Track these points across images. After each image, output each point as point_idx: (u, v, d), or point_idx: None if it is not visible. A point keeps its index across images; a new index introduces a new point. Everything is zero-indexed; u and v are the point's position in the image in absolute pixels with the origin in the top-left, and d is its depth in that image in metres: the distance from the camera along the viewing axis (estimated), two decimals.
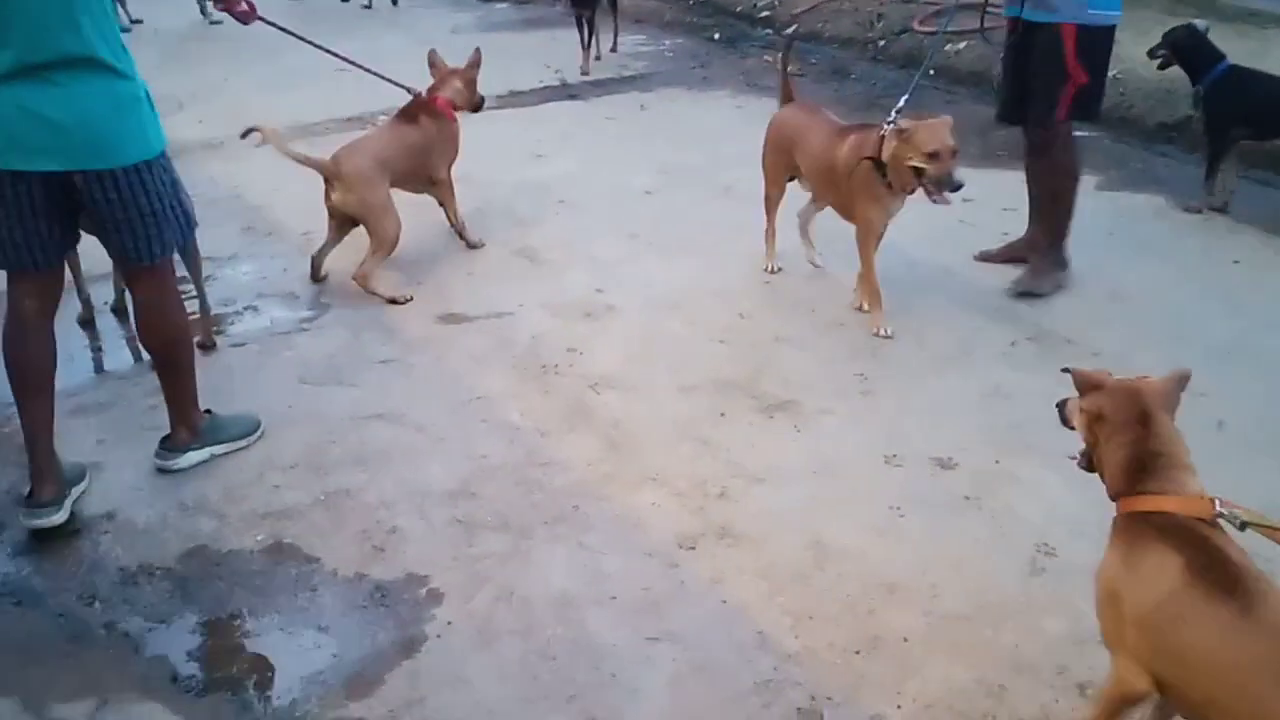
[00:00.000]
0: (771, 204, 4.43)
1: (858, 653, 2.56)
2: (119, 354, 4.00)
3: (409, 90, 4.57)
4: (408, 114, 4.56)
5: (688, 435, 3.42)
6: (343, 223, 4.36)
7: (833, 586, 2.78)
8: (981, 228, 4.75)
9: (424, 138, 4.52)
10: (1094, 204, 4.90)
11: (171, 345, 3.20)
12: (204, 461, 3.27)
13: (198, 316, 3.92)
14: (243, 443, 3.35)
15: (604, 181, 5.27)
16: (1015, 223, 4.55)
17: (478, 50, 4.80)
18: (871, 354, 3.88)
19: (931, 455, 3.29)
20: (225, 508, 3.10)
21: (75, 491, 3.09)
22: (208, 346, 3.92)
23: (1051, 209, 4.27)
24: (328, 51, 4.31)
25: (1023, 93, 4.17)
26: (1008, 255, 4.48)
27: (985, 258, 4.53)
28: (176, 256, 3.71)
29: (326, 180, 4.26)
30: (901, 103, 3.87)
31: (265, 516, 3.06)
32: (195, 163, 5.51)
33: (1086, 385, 2.17)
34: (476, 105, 4.82)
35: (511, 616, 2.69)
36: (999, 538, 2.94)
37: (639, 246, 4.74)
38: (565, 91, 7.09)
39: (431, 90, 4.64)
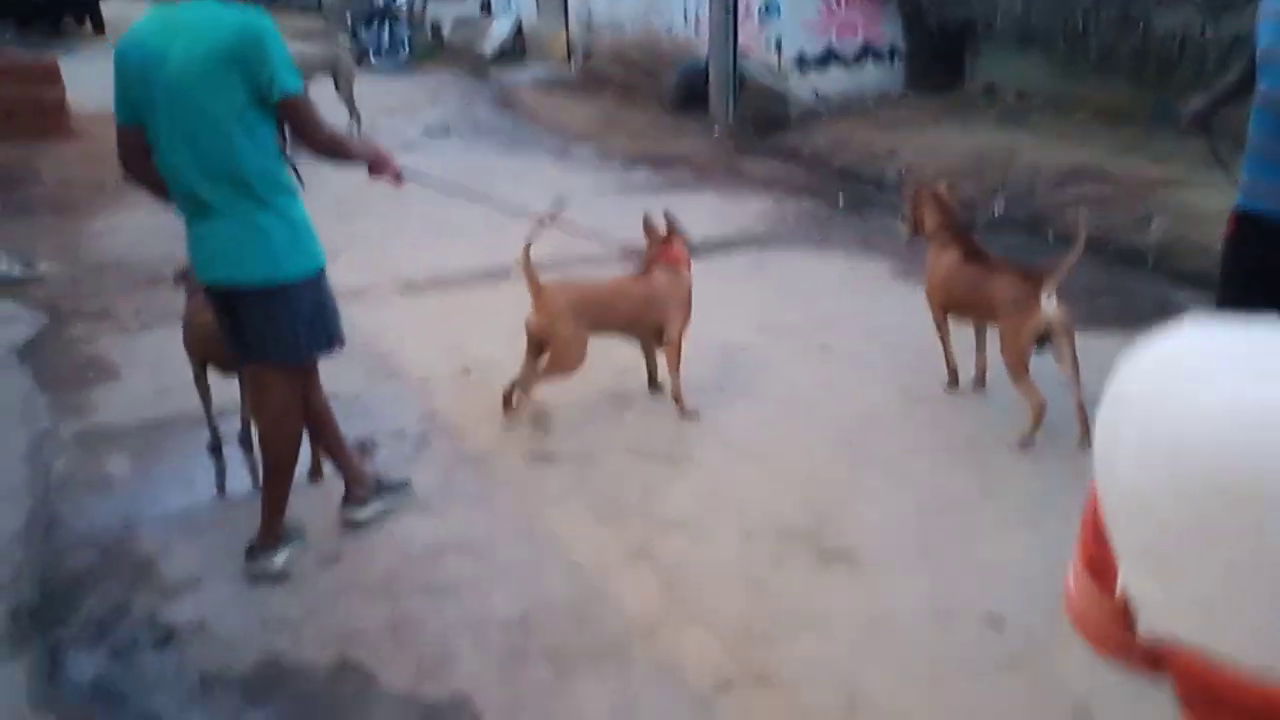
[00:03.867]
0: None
1: None
2: (240, 480, 4.37)
3: (632, 253, 4.75)
4: (642, 268, 4.79)
5: (742, 579, 3.51)
6: (536, 348, 4.59)
7: None
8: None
9: (646, 293, 4.72)
10: None
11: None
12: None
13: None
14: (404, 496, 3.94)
15: (702, 335, 5.47)
16: None
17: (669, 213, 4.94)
18: (941, 511, 3.91)
19: (983, 614, 3.29)
20: (302, 625, 3.35)
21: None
22: (317, 475, 4.26)
23: None
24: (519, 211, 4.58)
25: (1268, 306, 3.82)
26: None
27: None
28: None
29: (531, 300, 4.55)
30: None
31: (336, 636, 3.29)
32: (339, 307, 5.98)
33: None
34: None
35: None
36: (1037, 699, 2.92)
37: (727, 399, 4.91)
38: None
39: (664, 246, 4.81)
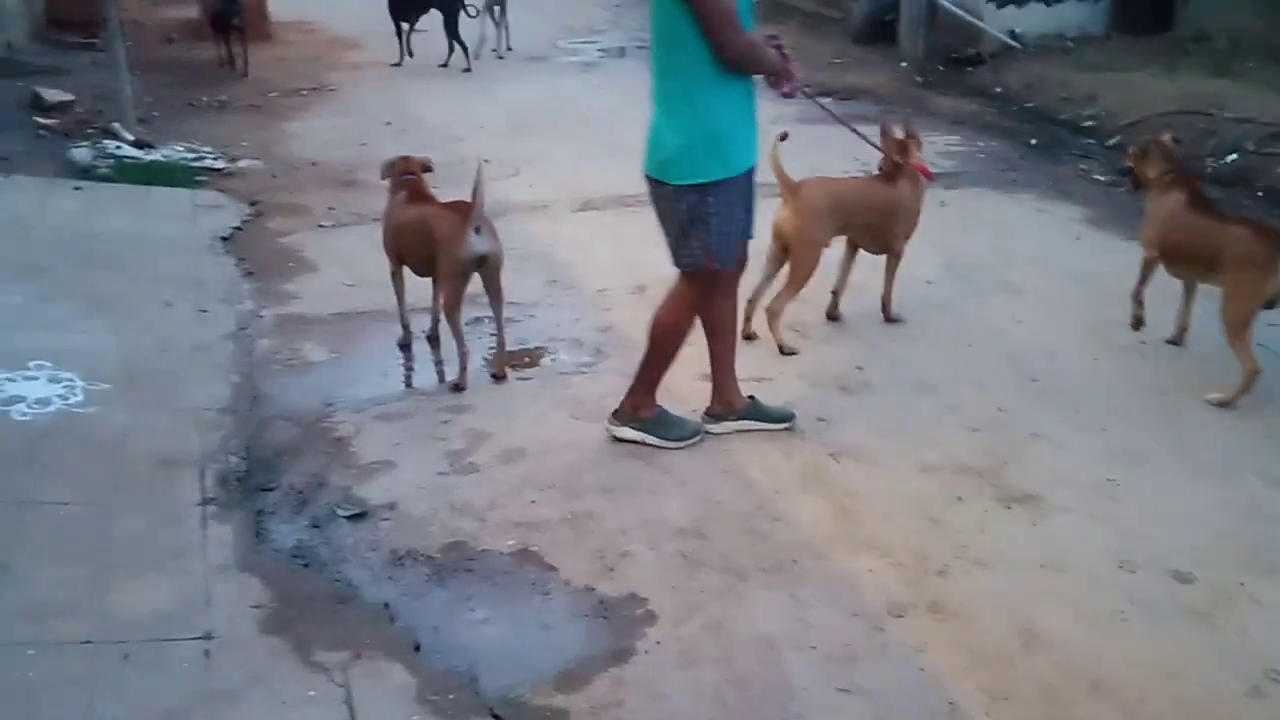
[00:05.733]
0: None
1: None
2: (428, 375, 4.54)
3: (887, 156, 4.75)
4: (887, 174, 4.75)
5: (918, 512, 3.49)
6: (780, 249, 4.59)
7: (1035, 673, 2.78)
8: None
9: (894, 199, 4.70)
10: None
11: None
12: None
13: (494, 350, 4.44)
14: (776, 426, 3.94)
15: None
16: None
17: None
18: (1129, 460, 3.79)
19: (1170, 566, 3.19)
20: (487, 513, 3.49)
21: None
22: (499, 377, 4.39)
23: None
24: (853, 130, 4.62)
25: None
26: None
27: None
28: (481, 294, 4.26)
29: (782, 198, 4.55)
30: None
31: (518, 525, 3.42)
32: (519, 221, 6.09)
33: None
34: None
35: (715, 647, 2.88)
36: (1224, 656, 2.83)
37: (908, 331, 4.84)
38: None
39: (905, 155, 4.73)
